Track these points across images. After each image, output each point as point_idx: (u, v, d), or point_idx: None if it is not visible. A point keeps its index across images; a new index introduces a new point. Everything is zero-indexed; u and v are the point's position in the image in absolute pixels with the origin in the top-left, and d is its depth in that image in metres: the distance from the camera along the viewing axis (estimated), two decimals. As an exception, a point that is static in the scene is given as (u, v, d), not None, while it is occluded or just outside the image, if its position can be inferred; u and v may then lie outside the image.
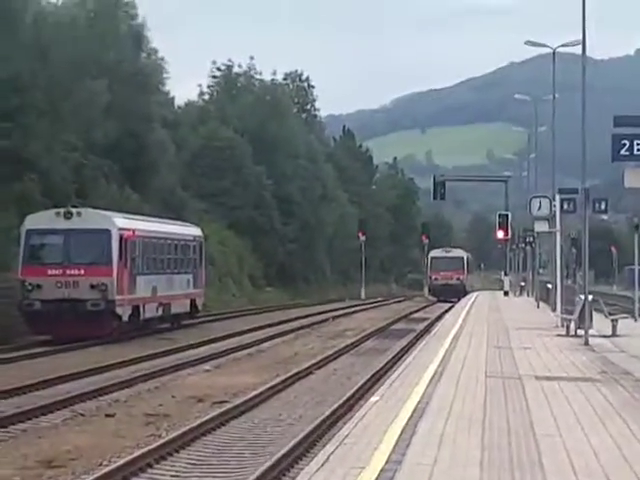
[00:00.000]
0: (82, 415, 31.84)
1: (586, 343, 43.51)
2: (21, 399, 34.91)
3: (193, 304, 71.85)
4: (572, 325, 48.72)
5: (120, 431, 28.51)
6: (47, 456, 16.84)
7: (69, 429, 27.16)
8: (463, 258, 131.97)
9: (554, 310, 61.96)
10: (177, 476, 17.15)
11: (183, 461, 24.81)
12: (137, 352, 49.08)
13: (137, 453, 18.81)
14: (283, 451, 24.71)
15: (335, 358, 51.58)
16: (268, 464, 23.11)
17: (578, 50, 54.48)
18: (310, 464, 18.46)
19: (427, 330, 65.27)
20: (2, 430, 23.78)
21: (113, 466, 18.47)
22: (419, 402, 24.30)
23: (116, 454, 16.73)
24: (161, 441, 25.41)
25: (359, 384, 38.17)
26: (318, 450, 22.45)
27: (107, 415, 32.21)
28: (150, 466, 18.64)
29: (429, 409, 23.02)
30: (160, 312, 63.72)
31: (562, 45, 70.92)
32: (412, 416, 22.14)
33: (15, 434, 26.92)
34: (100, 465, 22.32)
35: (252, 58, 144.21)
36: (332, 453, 17.82)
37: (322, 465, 16.67)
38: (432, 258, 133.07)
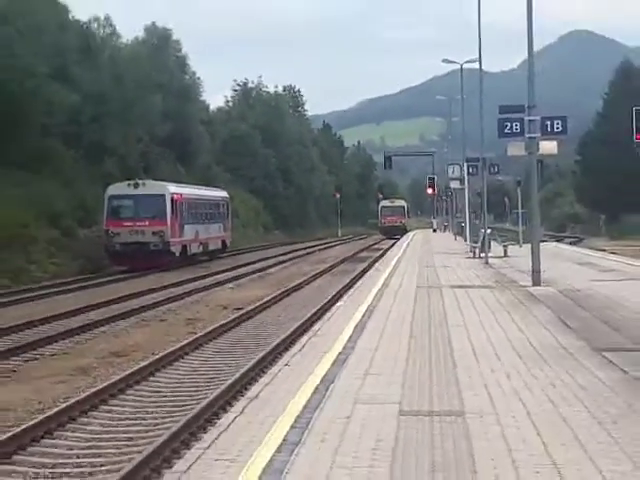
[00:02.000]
0: (143, 321, 31.79)
1: (486, 262, 43.51)
2: (105, 310, 34.61)
3: (223, 243, 71.52)
4: (477, 250, 48.68)
5: (169, 331, 28.90)
6: (117, 349, 16.87)
7: (134, 331, 27.18)
8: (404, 207, 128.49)
9: (465, 240, 62.15)
10: (205, 360, 17.14)
11: (210, 350, 25.11)
12: (184, 277, 48.63)
13: (178, 345, 18.98)
14: (277, 341, 24.53)
15: (319, 277, 50.26)
16: (267, 349, 23.15)
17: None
18: (293, 349, 18.40)
19: (381, 256, 64.00)
20: (89, 332, 24.75)
21: (161, 354, 18.52)
22: (369, 305, 24.01)
23: (164, 346, 16.68)
24: (195, 336, 25.99)
25: (332, 294, 36.63)
26: (300, 339, 21.84)
27: (161, 320, 32.25)
28: (187, 354, 18.86)
29: (376, 310, 22.71)
30: (200, 249, 63.31)
31: (466, 62, 71.26)
32: (364, 315, 21.88)
33: (97, 334, 26.93)
34: (153, 354, 22.79)
35: (260, 76, 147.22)
36: (308, 341, 18.39)
37: (301, 349, 16.87)
38: (382, 207, 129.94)
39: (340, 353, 16.44)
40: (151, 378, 20.70)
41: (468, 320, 21.25)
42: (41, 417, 16.04)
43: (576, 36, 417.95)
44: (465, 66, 74.60)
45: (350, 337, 18.35)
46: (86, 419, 16.89)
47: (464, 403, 11.81)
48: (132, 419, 17.14)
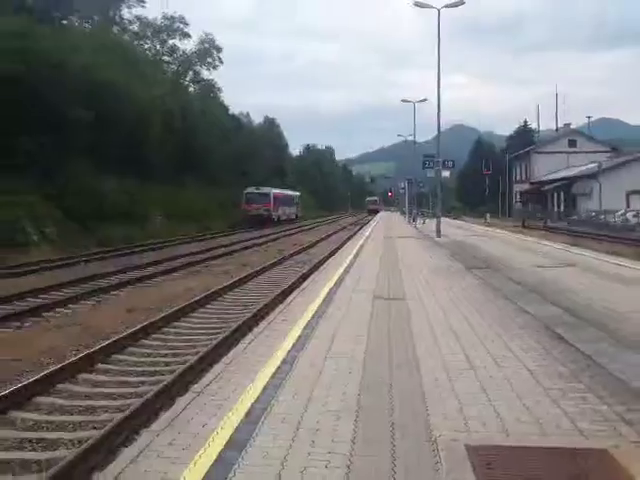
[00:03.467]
0: (255, 252, 27.43)
1: (415, 227, 41.96)
2: (242, 244, 30.68)
3: (296, 216, 68.56)
4: (411, 221, 47.34)
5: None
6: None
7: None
8: (378, 200, 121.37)
9: (406, 217, 60.70)
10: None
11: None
12: (279, 229, 46.19)
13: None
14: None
15: (344, 227, 46.31)
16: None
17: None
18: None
19: (367, 222, 60.34)
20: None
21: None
22: (361, 245, 23.10)
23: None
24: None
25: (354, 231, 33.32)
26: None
27: (265, 250, 28.52)
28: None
29: (362, 251, 21.66)
30: (285, 217, 60.66)
31: (409, 135, 67.91)
32: (357, 253, 20.64)
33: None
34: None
35: (315, 144, 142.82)
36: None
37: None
38: (367, 200, 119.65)
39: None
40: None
41: (408, 253, 20.30)
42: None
43: (457, 126, 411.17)
44: (409, 138, 72.25)
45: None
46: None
47: (405, 292, 10.97)
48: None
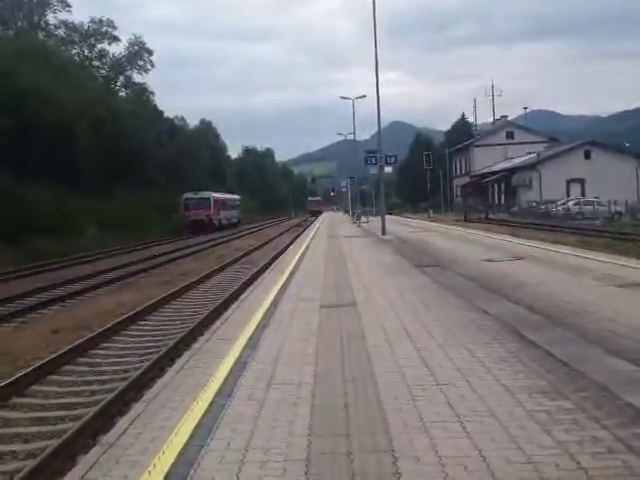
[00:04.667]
0: (196, 259, 27.12)
1: (359, 225, 41.58)
2: (182, 252, 30.22)
3: (238, 220, 67.20)
4: (355, 220, 46.93)
5: (209, 262, 24.64)
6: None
7: (190, 263, 23.46)
8: (320, 200, 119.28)
9: (349, 215, 60.23)
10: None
11: (227, 273, 20.61)
12: (218, 235, 45.52)
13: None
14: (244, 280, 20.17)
15: (289, 224, 46.42)
16: (266, 261, 20.05)
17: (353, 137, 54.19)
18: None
19: (311, 223, 60.46)
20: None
21: (205, 273, 15.49)
22: (305, 247, 22.38)
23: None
24: (220, 265, 21.93)
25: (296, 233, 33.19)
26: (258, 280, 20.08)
27: (204, 257, 27.91)
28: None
29: (307, 254, 20.95)
30: (227, 222, 59.35)
31: (349, 134, 67.58)
32: (301, 256, 19.89)
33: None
34: (200, 274, 19.49)
35: (254, 145, 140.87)
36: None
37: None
38: (308, 200, 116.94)
39: (282, 286, 14.84)
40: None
41: (354, 251, 19.62)
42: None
43: (395, 124, 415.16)
44: (348, 136, 71.61)
45: (287, 277, 16.52)
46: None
47: (354, 297, 10.17)
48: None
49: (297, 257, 18.19)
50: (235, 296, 13.06)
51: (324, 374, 5.45)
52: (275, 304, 9.60)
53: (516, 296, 9.69)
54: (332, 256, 18.06)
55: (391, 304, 9.21)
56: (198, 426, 4.31)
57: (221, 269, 21.32)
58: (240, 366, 5.86)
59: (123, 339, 10.93)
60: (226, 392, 5.07)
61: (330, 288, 11.25)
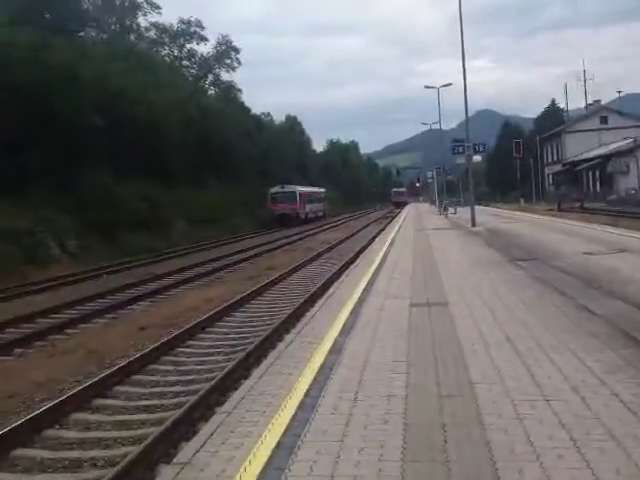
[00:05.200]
0: (283, 252, 27.19)
1: (446, 217, 40.55)
2: (272, 245, 30.13)
3: (324, 213, 67.40)
4: (442, 211, 45.84)
5: (295, 256, 24.27)
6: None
7: (277, 257, 22.14)
8: (405, 191, 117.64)
9: (436, 207, 58.91)
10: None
11: (314, 267, 20.46)
12: (305, 228, 45.09)
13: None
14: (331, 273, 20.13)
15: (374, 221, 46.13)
16: (350, 255, 19.41)
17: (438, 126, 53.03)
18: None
19: (396, 214, 59.55)
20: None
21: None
22: (391, 240, 21.80)
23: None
24: (306, 258, 21.65)
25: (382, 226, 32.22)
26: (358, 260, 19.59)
27: (294, 250, 28.07)
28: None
29: (393, 247, 20.36)
30: (313, 215, 59.43)
31: (433, 123, 65.74)
32: (387, 250, 19.35)
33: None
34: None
35: (338, 137, 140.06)
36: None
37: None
38: (393, 191, 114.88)
39: (374, 273, 14.31)
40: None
41: (443, 243, 18.87)
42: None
43: (482, 112, 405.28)
44: (433, 126, 69.88)
45: (380, 261, 15.99)
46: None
47: (445, 295, 9.56)
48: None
49: (383, 251, 17.65)
50: (321, 292, 12.67)
51: (416, 386, 4.93)
52: (362, 301, 9.13)
53: (624, 293, 8.83)
54: (419, 250, 17.41)
55: (486, 303, 8.56)
56: (279, 445, 3.89)
57: (308, 262, 21.22)
58: (325, 372, 5.42)
59: (209, 336, 10.74)
60: (310, 404, 4.63)
61: (419, 285, 10.67)
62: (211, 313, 12.13)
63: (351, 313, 8.23)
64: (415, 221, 38.59)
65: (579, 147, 65.87)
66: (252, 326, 11.39)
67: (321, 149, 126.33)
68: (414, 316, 7.85)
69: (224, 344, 10.12)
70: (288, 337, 7.28)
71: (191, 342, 10.27)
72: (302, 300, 12.71)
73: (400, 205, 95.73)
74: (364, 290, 10.27)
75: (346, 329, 7.26)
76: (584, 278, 10.54)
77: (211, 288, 16.97)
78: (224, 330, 11.20)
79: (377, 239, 25.66)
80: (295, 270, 19.16)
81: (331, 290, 10.83)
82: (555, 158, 74.13)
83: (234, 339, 10.45)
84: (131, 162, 32.10)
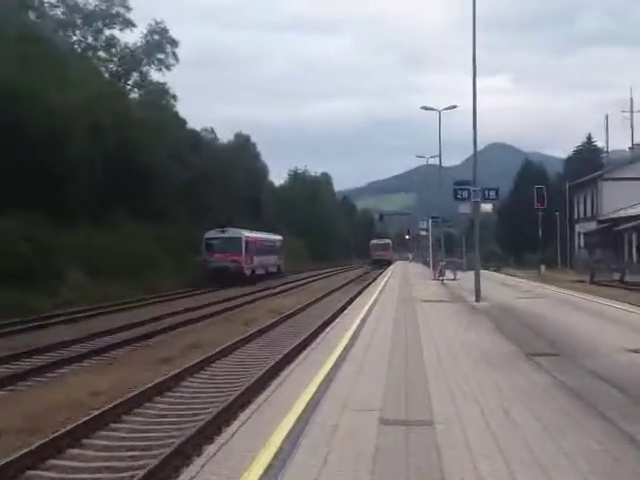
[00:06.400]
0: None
1: (443, 283, 40.81)
2: (191, 313, 29.82)
3: (279, 268, 67.93)
4: (437, 275, 45.77)
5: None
6: (194, 342, 12.81)
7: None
8: (389, 244, 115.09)
9: (429, 268, 58.92)
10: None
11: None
12: (249, 290, 44.86)
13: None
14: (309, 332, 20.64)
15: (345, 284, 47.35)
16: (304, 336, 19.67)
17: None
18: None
19: (378, 275, 59.43)
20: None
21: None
22: (365, 313, 21.11)
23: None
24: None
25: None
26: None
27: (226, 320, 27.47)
28: (243, 345, 14.56)
29: (366, 326, 19.67)
30: (263, 272, 59.49)
31: (431, 157, 66.49)
32: (357, 330, 18.59)
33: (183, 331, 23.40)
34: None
35: (306, 166, 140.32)
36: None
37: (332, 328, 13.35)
38: (372, 244, 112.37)
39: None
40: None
41: (432, 324, 18.29)
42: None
43: (494, 146, 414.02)
44: (432, 161, 70.56)
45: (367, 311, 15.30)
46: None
47: (432, 408, 8.77)
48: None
49: (352, 329, 16.96)
50: (251, 394, 12.10)
51: None
52: (307, 419, 8.25)
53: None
54: (402, 332, 16.71)
55: (489, 426, 7.82)
56: None
57: (247, 340, 20.69)
58: None
59: (84, 453, 9.83)
60: None
61: (397, 390, 9.91)
62: (94, 414, 11.21)
63: (287, 436, 7.33)
64: (401, 287, 38.31)
65: (621, 200, 66.62)
66: (144, 447, 10.29)
67: (281, 182, 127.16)
68: (385, 441, 7.05)
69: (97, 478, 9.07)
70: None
71: (53, 462, 9.27)
72: (219, 409, 11.74)
73: (383, 264, 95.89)
74: (312, 398, 9.41)
75: (279, 464, 6.39)
76: (630, 389, 9.96)
77: (104, 373, 16.02)
78: (106, 443, 10.26)
79: (347, 310, 25.04)
80: (225, 353, 18.44)
81: (262, 397, 9.93)
82: (589, 213, 75.00)
83: (117, 465, 9.43)
84: (13, 188, 31.15)
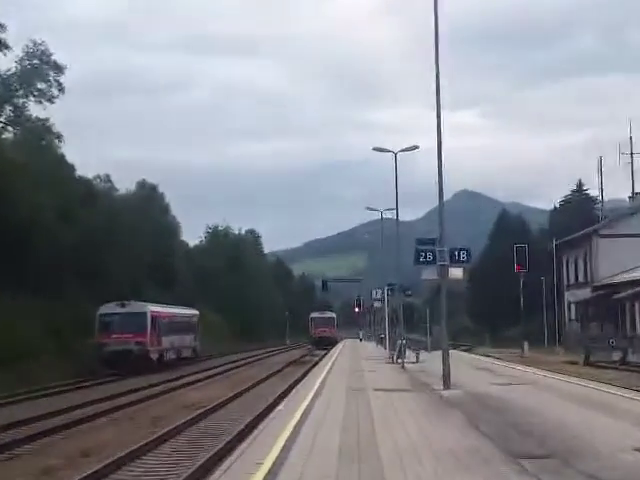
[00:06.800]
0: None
1: (402, 367, 40.88)
2: (85, 410, 29.70)
3: (194, 351, 67.67)
4: (394, 357, 45.93)
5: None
6: (85, 447, 12.53)
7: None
8: (333, 317, 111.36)
9: (385, 348, 59.13)
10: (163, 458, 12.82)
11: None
12: (155, 379, 44.35)
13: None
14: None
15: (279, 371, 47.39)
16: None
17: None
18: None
19: (320, 359, 59.63)
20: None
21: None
22: (303, 411, 20.89)
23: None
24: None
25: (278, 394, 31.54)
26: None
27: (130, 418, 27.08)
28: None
29: (311, 412, 19.47)
30: (173, 355, 59.36)
31: (386, 209, 66.50)
32: (292, 434, 18.42)
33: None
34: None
35: (224, 220, 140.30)
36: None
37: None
38: (311, 318, 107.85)
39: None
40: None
41: (390, 423, 18.23)
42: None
43: (463, 195, 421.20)
44: (386, 216, 71.10)
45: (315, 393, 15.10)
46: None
47: None
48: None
49: (289, 430, 16.79)
50: None
51: None
52: None
53: None
54: (350, 436, 16.53)
55: None
56: None
57: (147, 447, 20.23)
58: None
59: None
60: None
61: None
62: None
63: None
64: (350, 372, 38.55)
65: (620, 261, 67.73)
66: None
67: (197, 242, 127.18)
68: None
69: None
70: None
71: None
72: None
73: (326, 343, 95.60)
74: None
75: None
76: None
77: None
78: None
79: (280, 405, 24.80)
80: (124, 462, 18.16)
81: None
82: (581, 277, 76.13)
83: None
84: None
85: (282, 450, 14.58)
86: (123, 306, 51.91)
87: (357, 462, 13.41)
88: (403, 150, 50.12)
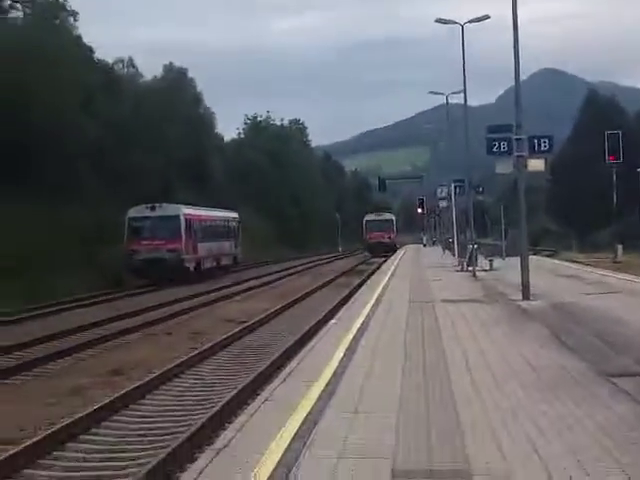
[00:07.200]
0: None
1: (474, 275, 40.97)
2: (117, 324, 31.02)
3: (234, 259, 68.92)
4: (465, 264, 45.96)
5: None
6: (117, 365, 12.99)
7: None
8: (392, 220, 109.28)
9: (453, 255, 59.09)
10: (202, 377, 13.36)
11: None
12: (198, 290, 45.39)
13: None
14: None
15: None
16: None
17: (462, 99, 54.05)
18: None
19: (378, 268, 60.57)
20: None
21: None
22: (384, 287, 21.13)
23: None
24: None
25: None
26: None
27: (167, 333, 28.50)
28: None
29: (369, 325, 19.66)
30: (211, 265, 60.27)
31: (452, 93, 66.46)
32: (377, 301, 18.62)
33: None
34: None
35: (269, 111, 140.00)
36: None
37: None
38: (366, 221, 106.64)
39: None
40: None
41: (462, 337, 18.31)
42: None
43: (544, 73, 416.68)
44: (453, 98, 70.50)
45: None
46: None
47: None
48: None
49: (344, 345, 16.97)
50: None
51: None
52: None
53: None
54: (418, 349, 16.65)
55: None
56: None
57: (194, 363, 20.78)
58: None
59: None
60: None
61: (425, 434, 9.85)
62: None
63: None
64: (414, 281, 38.81)
65: None
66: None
67: (233, 135, 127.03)
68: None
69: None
70: None
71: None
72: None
73: (383, 250, 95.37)
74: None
75: None
76: None
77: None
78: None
79: (336, 317, 24.94)
80: (162, 381, 18.58)
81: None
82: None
83: None
84: None
85: (347, 347, 15.99)
86: (153, 209, 52.41)
87: (420, 372, 13.84)
88: (471, 21, 49.52)
